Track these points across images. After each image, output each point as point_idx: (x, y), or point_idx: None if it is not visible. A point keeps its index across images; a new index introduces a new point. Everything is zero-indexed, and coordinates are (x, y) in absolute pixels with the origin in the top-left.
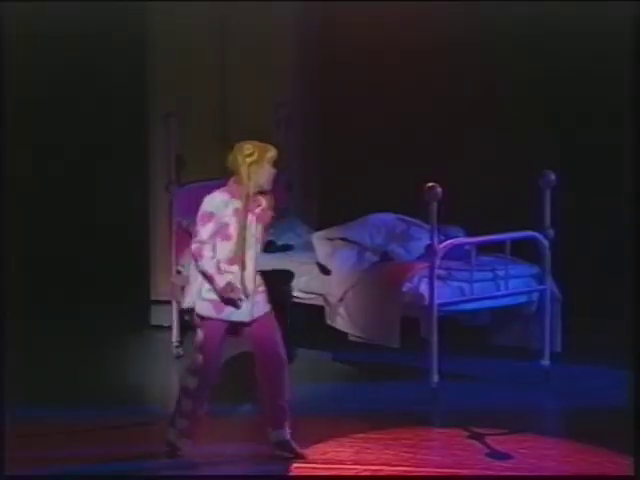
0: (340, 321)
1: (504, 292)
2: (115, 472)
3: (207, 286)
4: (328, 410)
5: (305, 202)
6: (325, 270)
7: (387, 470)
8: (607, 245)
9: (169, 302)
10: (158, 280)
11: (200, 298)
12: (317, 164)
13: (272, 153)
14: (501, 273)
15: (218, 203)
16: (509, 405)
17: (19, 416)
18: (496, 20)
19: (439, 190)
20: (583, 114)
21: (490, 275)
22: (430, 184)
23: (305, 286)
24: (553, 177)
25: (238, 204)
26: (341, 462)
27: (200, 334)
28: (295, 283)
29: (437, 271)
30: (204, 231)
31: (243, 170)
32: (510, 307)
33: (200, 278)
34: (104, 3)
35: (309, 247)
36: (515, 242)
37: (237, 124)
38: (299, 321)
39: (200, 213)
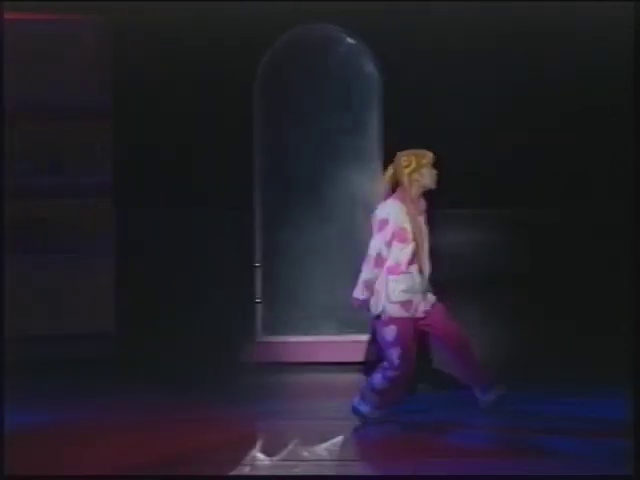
0: None
1: None
2: None
3: (396, 290)
4: None
5: None
6: None
7: None
8: None
9: None
10: None
11: (389, 301)
12: None
13: (427, 158)
14: None
15: (391, 209)
16: None
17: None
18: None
19: None
20: None
21: None
22: None
23: None
24: None
25: (408, 209)
26: None
27: (392, 333)
28: None
29: None
30: (382, 236)
31: (405, 179)
32: None
33: (388, 284)
34: None
35: None
36: None
37: None
38: None
39: (376, 220)
